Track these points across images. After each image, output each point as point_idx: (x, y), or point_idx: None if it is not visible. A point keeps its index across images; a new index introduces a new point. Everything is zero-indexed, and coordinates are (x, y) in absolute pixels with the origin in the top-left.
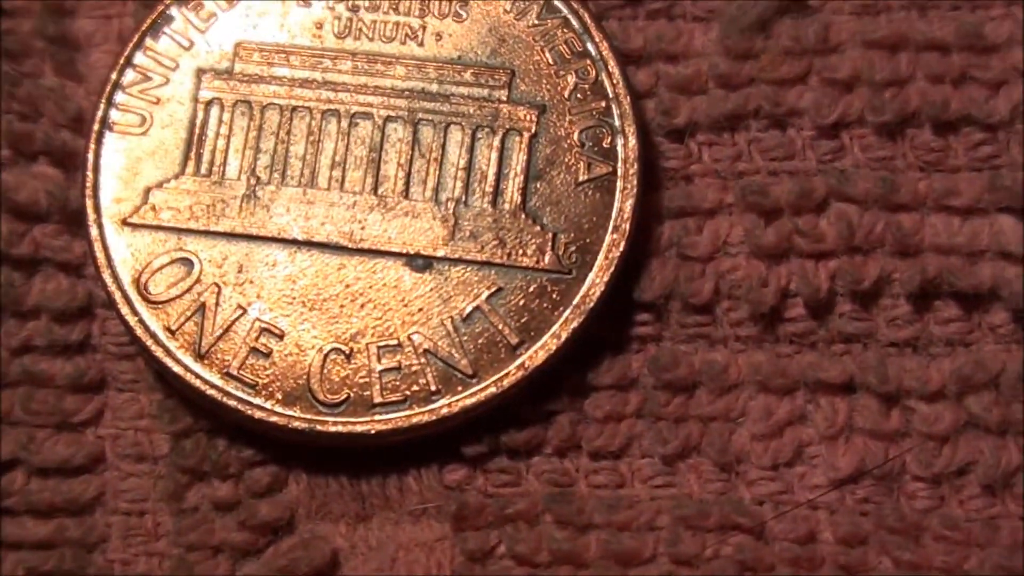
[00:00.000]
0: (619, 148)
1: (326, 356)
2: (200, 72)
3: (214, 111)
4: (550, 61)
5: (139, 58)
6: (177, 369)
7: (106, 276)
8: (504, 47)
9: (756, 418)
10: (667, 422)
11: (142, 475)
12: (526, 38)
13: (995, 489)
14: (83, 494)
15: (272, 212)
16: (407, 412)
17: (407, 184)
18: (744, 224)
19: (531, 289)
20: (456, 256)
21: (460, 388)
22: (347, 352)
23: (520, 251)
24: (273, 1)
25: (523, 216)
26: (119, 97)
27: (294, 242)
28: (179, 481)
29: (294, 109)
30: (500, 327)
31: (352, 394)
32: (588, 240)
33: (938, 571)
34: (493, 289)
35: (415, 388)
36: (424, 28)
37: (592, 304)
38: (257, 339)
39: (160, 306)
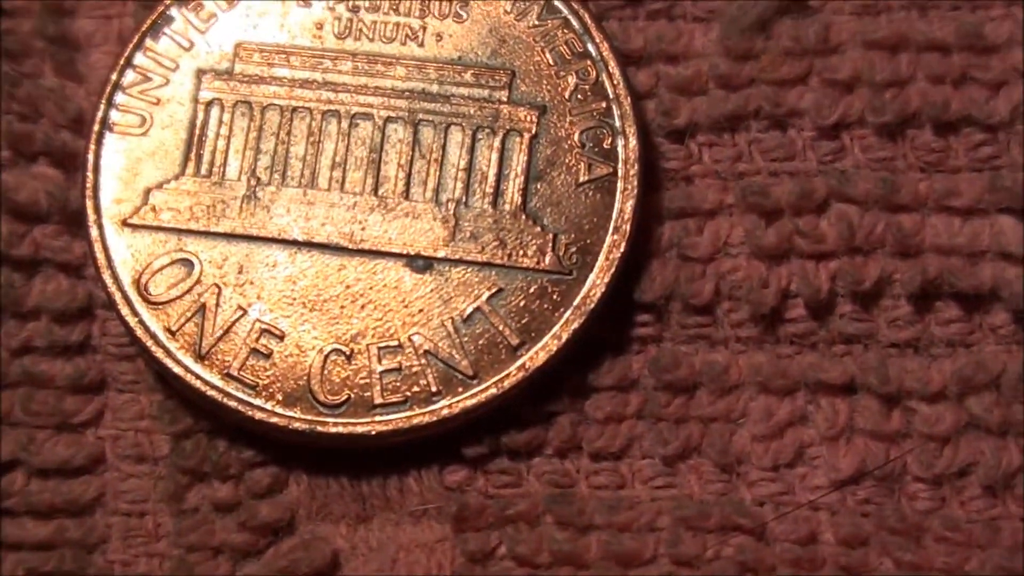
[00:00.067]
0: (620, 149)
1: (326, 357)
2: (200, 73)
3: (214, 112)
4: (550, 62)
5: (139, 59)
6: (177, 370)
7: (106, 277)
8: (504, 48)
9: (757, 419)
10: (668, 423)
11: (142, 476)
12: (526, 39)
13: (996, 490)
14: (83, 495)
15: (272, 213)
16: (408, 413)
17: (407, 185)
18: (745, 225)
19: (532, 290)
20: (457, 257)
21: (461, 389)
22: (348, 353)
23: (521, 252)
24: (273, 1)
25: (524, 217)
26: (119, 98)
27: (294, 243)
28: (179, 482)
29: (294, 110)
30: (501, 328)
31: (353, 395)
32: (589, 241)
33: (939, 572)
34: (494, 290)
35: (416, 389)
36: (424, 29)
37: (593, 305)
38: (257, 340)
39: (160, 307)
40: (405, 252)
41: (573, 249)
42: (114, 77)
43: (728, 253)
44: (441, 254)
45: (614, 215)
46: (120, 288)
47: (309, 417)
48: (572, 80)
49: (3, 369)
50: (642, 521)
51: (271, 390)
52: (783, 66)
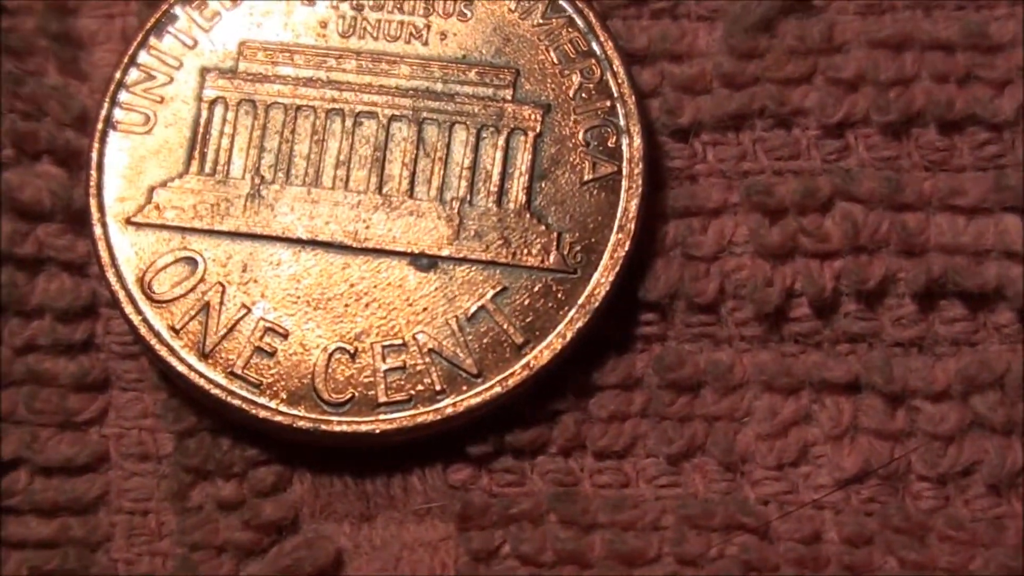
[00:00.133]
0: (624, 148)
1: (331, 355)
2: (204, 71)
3: (218, 110)
4: (555, 60)
5: (143, 57)
6: (181, 368)
7: (110, 275)
8: (509, 46)
9: (761, 418)
10: (672, 422)
11: (146, 474)
12: (531, 37)
13: (1000, 489)
14: (87, 493)
15: (276, 211)
16: (412, 412)
17: (412, 183)
18: (749, 224)
19: (536, 289)
20: (461, 255)
21: (465, 388)
22: (352, 351)
23: (525, 251)
24: (277, 0)
25: (528, 216)
26: (123, 96)
27: (298, 241)
28: (183, 480)
29: (298, 108)
30: (505, 327)
31: (357, 393)
32: (593, 240)
33: (943, 571)
34: (498, 289)
35: (420, 388)
36: (429, 27)
37: (597, 304)
38: (261, 338)
39: (164, 305)
40: (409, 251)
41: (577, 248)
42: (118, 75)
43: (732, 252)
44: (445, 253)
45: (618, 214)
46: (124, 286)
47: (313, 416)
48: (576, 79)
49: (7, 367)
50: (646, 520)
51: (275, 388)
52: (787, 65)
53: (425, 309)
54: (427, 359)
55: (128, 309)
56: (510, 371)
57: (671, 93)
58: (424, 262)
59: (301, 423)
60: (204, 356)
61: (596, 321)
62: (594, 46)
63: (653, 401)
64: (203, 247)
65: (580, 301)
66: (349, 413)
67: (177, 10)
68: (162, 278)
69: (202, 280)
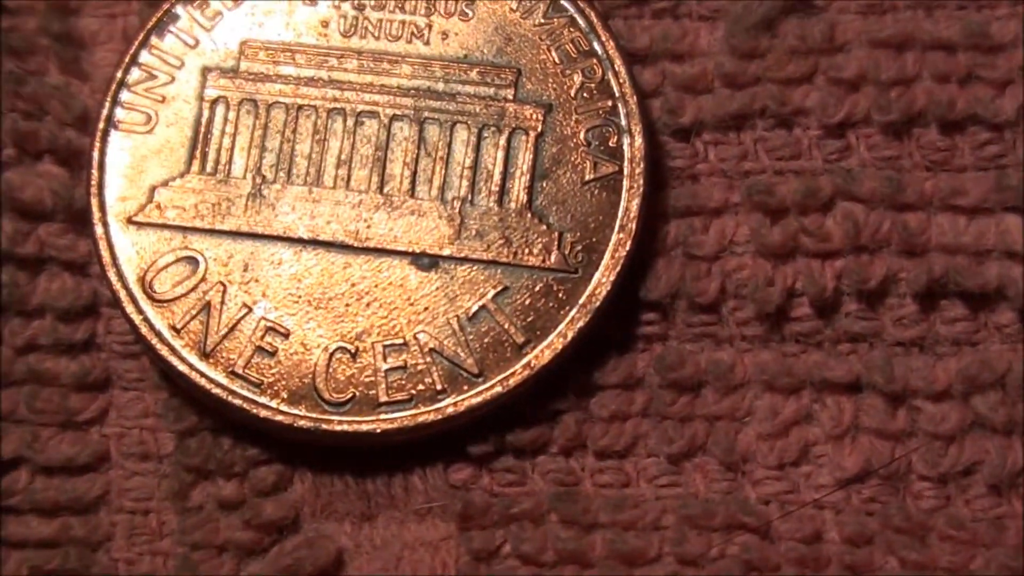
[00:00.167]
0: (625, 147)
1: (332, 355)
2: (206, 70)
3: (220, 109)
4: (556, 60)
5: (144, 56)
6: (182, 368)
7: (111, 274)
8: (510, 46)
9: (762, 417)
10: (673, 421)
11: (147, 474)
12: (532, 37)
13: (1001, 489)
14: (87, 493)
15: (278, 211)
16: (413, 411)
17: (413, 183)
18: (750, 223)
19: (537, 288)
20: (462, 255)
21: (466, 387)
22: (353, 351)
23: (526, 250)
24: (279, 0)
25: (529, 215)
26: (124, 95)
27: (300, 241)
28: (184, 480)
29: (300, 108)
30: (506, 326)
31: (358, 393)
32: (594, 239)
33: (944, 571)
34: (499, 288)
35: (421, 387)
36: (430, 27)
37: (598, 303)
38: (262, 338)
39: (165, 304)
40: (410, 250)
41: (579, 247)
42: (119, 75)
43: (734, 252)
44: (447, 252)
45: (620, 213)
46: (125, 286)
47: (314, 415)
48: (578, 78)
49: (8, 367)
50: (647, 520)
51: (276, 388)
52: (789, 65)
53: (426, 309)
54: (428, 359)
55: (129, 308)
56: (511, 371)
57: (672, 93)
58: (425, 261)
59: (302, 423)
60: (205, 356)
61: (597, 321)
62: (595, 46)
63: (654, 401)
64: (204, 246)
65: (581, 301)
66: (350, 413)
67: (179, 9)
68: (163, 277)
69: (203, 279)
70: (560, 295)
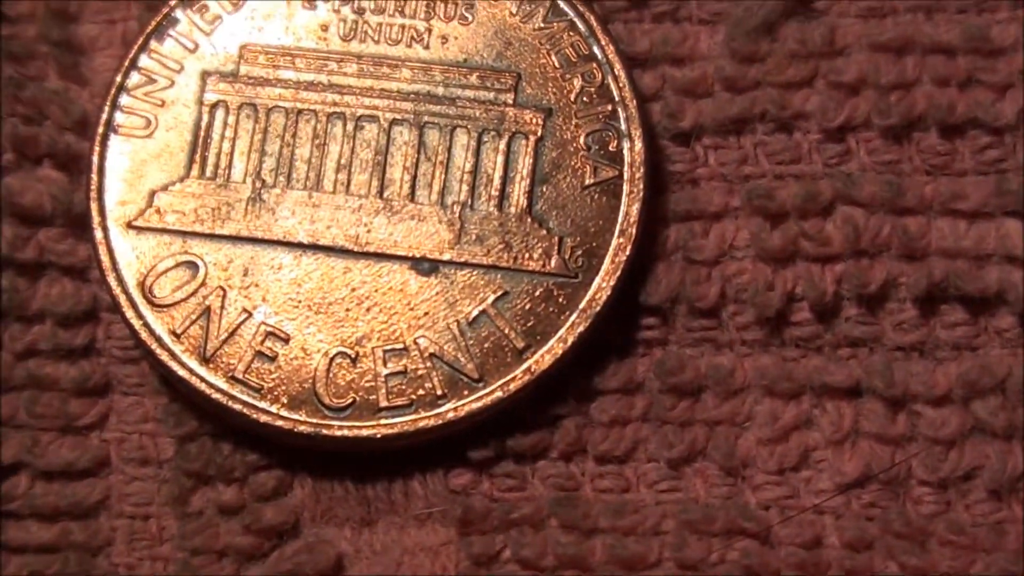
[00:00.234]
0: (625, 152)
1: (332, 360)
2: (205, 75)
3: (219, 114)
4: (556, 64)
5: (144, 60)
6: (182, 373)
7: (111, 279)
8: (510, 50)
9: (762, 422)
10: (673, 426)
11: (147, 479)
12: (532, 41)
13: (1001, 494)
14: (88, 498)
15: (277, 215)
16: (413, 416)
17: (413, 187)
18: (750, 228)
19: (537, 293)
20: (462, 260)
21: (466, 392)
22: (353, 356)
23: (526, 255)
24: (278, 4)
25: (529, 220)
26: (124, 100)
27: (299, 245)
28: (184, 485)
29: (299, 112)
30: (506, 331)
31: (358, 398)
32: (594, 244)
33: None
34: (499, 293)
35: (421, 392)
36: (430, 31)
37: (598, 308)
38: (262, 343)
39: (165, 309)
40: (410, 255)
41: (579, 252)
42: (119, 79)
43: (733, 256)
44: (447, 257)
45: (620, 218)
46: (125, 290)
47: (314, 420)
48: (578, 83)
49: (8, 372)
50: (647, 525)
51: (276, 393)
52: (789, 69)
53: (426, 313)
54: (428, 363)
55: (129, 313)
56: (511, 375)
57: (672, 97)
58: (425, 266)
59: (302, 428)
60: (205, 360)
61: (597, 325)
62: (595, 50)
63: (654, 405)
64: (204, 251)
65: (581, 305)
66: (350, 418)
67: (178, 13)
68: (163, 282)
69: (203, 284)
70: (560, 300)
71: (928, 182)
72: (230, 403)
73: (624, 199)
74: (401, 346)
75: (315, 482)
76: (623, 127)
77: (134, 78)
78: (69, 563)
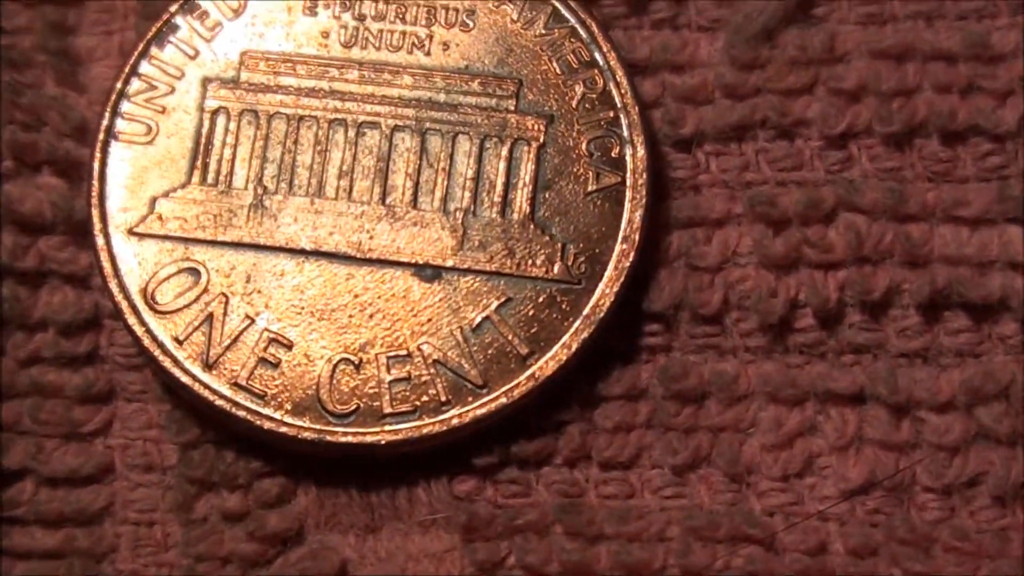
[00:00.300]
0: (628, 158)
1: (335, 366)
2: (206, 81)
3: (220, 120)
4: (557, 71)
5: (144, 67)
6: (185, 379)
7: (112, 286)
8: (511, 57)
9: (766, 429)
10: (677, 432)
11: (151, 485)
12: (533, 47)
13: (1005, 500)
14: (92, 504)
15: (280, 222)
16: (417, 422)
17: (415, 194)
18: (753, 234)
19: (540, 299)
20: (465, 266)
21: (470, 398)
22: (356, 362)
23: (529, 261)
24: (279, 10)
25: (532, 226)
26: (124, 106)
27: (302, 252)
28: (188, 492)
29: (301, 118)
30: (510, 337)
31: (362, 404)
32: (597, 250)
33: None
34: (502, 299)
35: (425, 398)
36: (431, 37)
37: (602, 314)
38: (266, 349)
39: (167, 316)
40: (413, 261)
41: (582, 259)
42: (119, 85)
43: (736, 263)
44: (449, 263)
45: (623, 225)
46: (127, 297)
47: (318, 426)
48: (579, 89)
49: (10, 379)
50: (652, 531)
51: (279, 399)
52: (789, 75)
53: (430, 320)
54: (432, 370)
55: (131, 320)
56: (515, 382)
57: (673, 104)
58: (428, 273)
59: (306, 434)
60: (208, 367)
61: (601, 332)
62: (597, 56)
63: (658, 412)
64: (206, 257)
65: (585, 312)
66: (354, 424)
67: (178, 20)
68: (165, 289)
69: (205, 291)
70: (564, 306)
71: (930, 189)
72: (233, 410)
73: (627, 205)
74: (405, 353)
75: (319, 489)
76: (625, 133)
77: (134, 84)
78: (74, 569)
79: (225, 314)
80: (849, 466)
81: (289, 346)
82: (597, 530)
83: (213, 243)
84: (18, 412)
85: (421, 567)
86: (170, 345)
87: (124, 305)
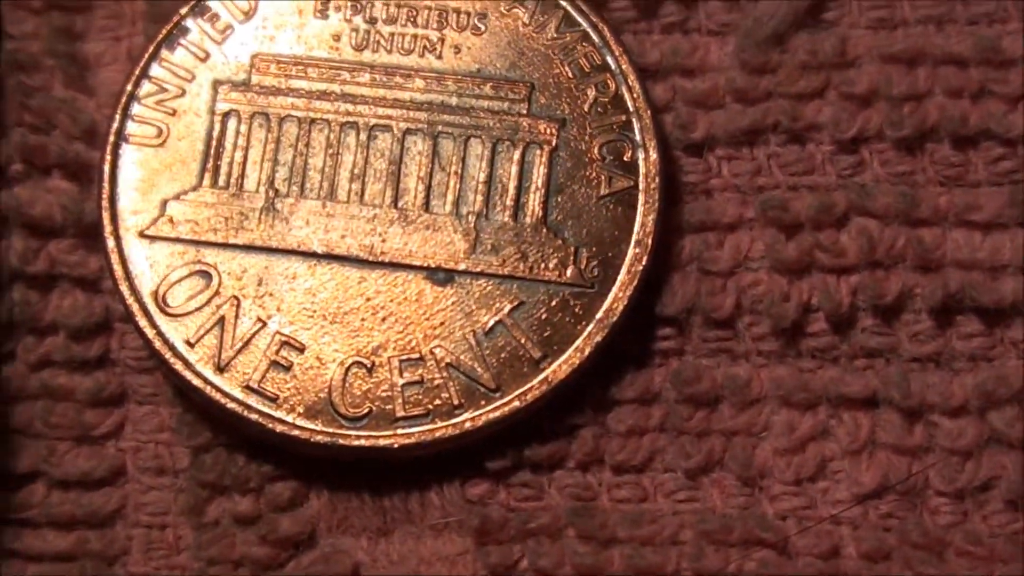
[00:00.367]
0: (640, 162)
1: (347, 369)
2: (217, 84)
3: (231, 123)
4: (570, 75)
5: (155, 69)
6: (197, 382)
7: (123, 288)
8: (523, 60)
9: (779, 433)
10: (690, 436)
11: (163, 488)
12: (545, 51)
13: (1018, 504)
14: (104, 507)
15: (291, 225)
16: (430, 426)
17: (427, 197)
18: (765, 239)
19: (553, 303)
20: (478, 270)
21: (483, 402)
22: (369, 366)
23: (542, 265)
24: (289, 14)
25: (544, 230)
26: (135, 108)
27: (314, 255)
28: (199, 495)
29: (312, 121)
30: (523, 341)
31: (374, 408)
32: (610, 254)
33: None
34: (515, 303)
35: (438, 402)
36: (443, 41)
37: (615, 318)
38: (277, 352)
39: (179, 319)
40: (426, 265)
41: (594, 262)
42: (129, 88)
43: (749, 267)
44: (462, 267)
45: (636, 228)
46: (138, 300)
47: (330, 430)
48: (591, 93)
49: (22, 382)
50: (665, 535)
51: (292, 403)
52: (800, 80)
53: (442, 323)
54: (445, 373)
55: (142, 323)
56: (528, 386)
57: (684, 108)
58: (441, 276)
59: (319, 437)
60: (220, 370)
61: (614, 336)
62: (609, 60)
63: (671, 416)
64: (218, 260)
65: (598, 316)
66: (367, 427)
67: (188, 23)
68: (176, 291)
69: (217, 293)
70: (577, 310)
71: (942, 193)
72: (245, 413)
73: (640, 209)
74: (417, 356)
75: (331, 492)
76: (638, 137)
77: (145, 87)
78: (86, 571)
79: (237, 317)
80: (862, 470)
81: (301, 349)
82: (610, 534)
83: (225, 246)
84: (29, 415)
85: (433, 570)
86: (182, 348)
87: (135, 308)
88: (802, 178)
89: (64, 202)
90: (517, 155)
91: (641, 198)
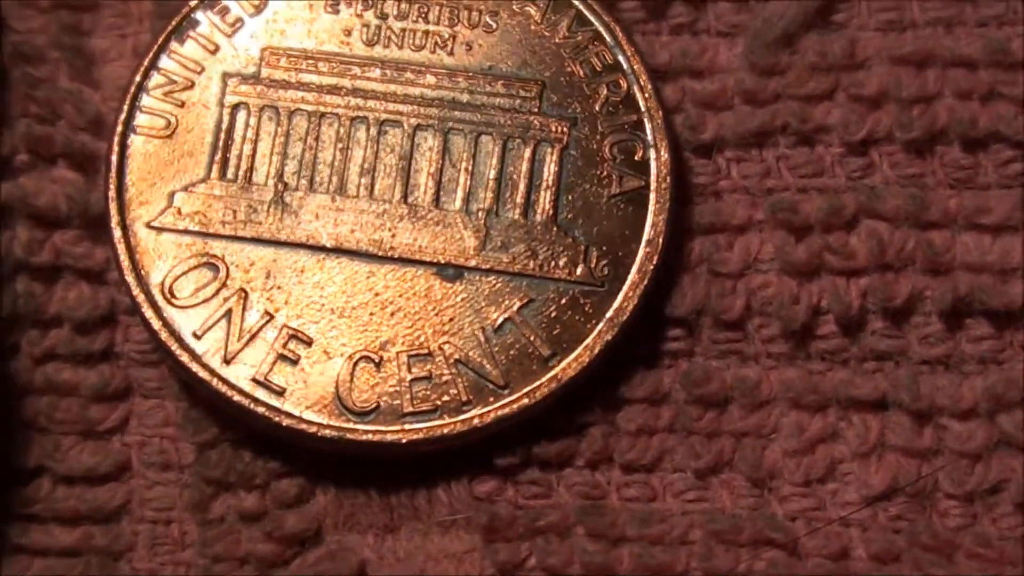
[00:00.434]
0: (652, 162)
1: (355, 364)
2: (226, 76)
3: (240, 115)
4: (581, 74)
5: (163, 61)
6: (203, 375)
7: (130, 279)
8: (534, 59)
9: (788, 434)
10: (699, 437)
11: (168, 483)
12: (557, 50)
13: None
14: (109, 502)
15: (300, 218)
16: (438, 422)
17: (437, 193)
18: (774, 241)
19: (563, 301)
20: (487, 267)
21: (492, 399)
22: (377, 360)
23: (552, 263)
24: (300, 8)
25: (555, 228)
26: (144, 100)
27: (323, 249)
28: (204, 491)
29: (322, 115)
30: (532, 338)
31: (382, 403)
32: (620, 253)
33: None
34: (525, 300)
35: (446, 398)
36: (454, 37)
37: (625, 318)
38: (285, 345)
39: (185, 310)
40: (435, 260)
41: (604, 261)
42: (138, 79)
43: (758, 269)
44: (472, 263)
45: (646, 228)
46: (145, 291)
47: (338, 424)
48: (603, 92)
49: (27, 376)
50: (674, 534)
51: (299, 396)
52: (809, 81)
53: (451, 319)
54: (453, 369)
55: (149, 314)
56: (537, 383)
57: (693, 109)
58: (450, 272)
59: (326, 431)
60: (226, 362)
61: (623, 335)
62: (621, 60)
63: (681, 416)
64: (225, 252)
65: (608, 315)
66: (374, 422)
67: (198, 15)
68: (183, 283)
69: (224, 286)
70: (587, 308)
71: (952, 196)
72: (252, 406)
73: (651, 209)
74: (426, 352)
75: (337, 488)
76: (649, 137)
77: (154, 78)
78: (91, 567)
79: (244, 310)
80: (871, 472)
81: (309, 343)
82: (619, 532)
83: (232, 238)
84: (34, 411)
85: (441, 568)
86: (188, 340)
87: (142, 299)
88: (811, 180)
89: (69, 192)
90: (528, 153)
91: (652, 198)
